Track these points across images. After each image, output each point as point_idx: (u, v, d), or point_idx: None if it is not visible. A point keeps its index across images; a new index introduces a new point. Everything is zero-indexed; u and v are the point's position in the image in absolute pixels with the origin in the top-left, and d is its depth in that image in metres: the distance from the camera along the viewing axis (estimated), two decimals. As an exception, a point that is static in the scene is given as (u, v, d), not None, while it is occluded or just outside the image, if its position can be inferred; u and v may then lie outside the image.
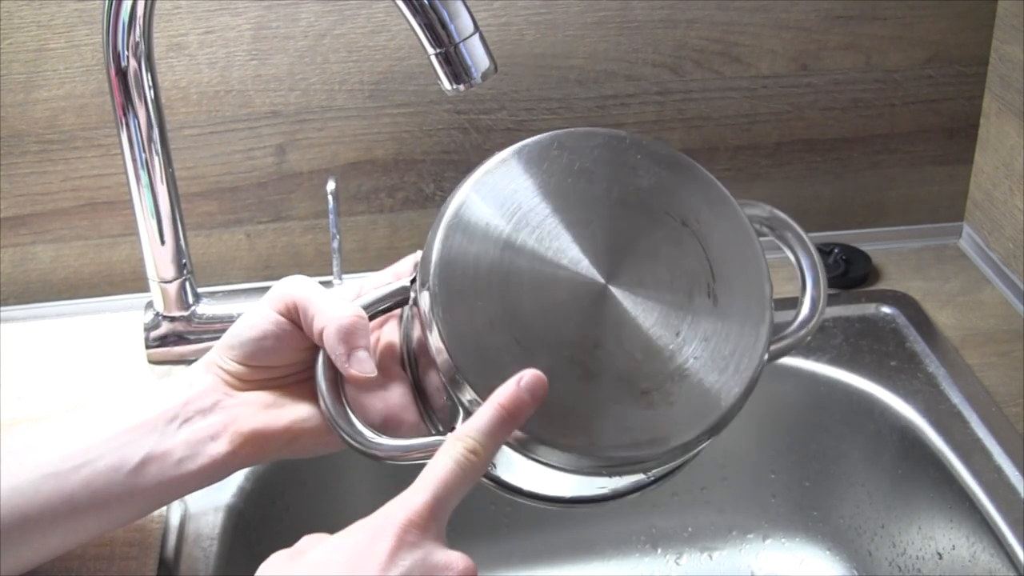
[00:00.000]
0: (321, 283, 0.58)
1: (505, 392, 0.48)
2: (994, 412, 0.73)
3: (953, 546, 0.71)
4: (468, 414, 0.50)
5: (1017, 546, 0.64)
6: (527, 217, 0.52)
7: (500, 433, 0.48)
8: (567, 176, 0.53)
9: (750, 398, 0.54)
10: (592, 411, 0.50)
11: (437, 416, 0.55)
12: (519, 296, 0.50)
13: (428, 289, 0.51)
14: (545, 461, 0.50)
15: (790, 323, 0.58)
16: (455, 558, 0.46)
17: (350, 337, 0.53)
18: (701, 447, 0.53)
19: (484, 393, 0.49)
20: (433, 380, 0.54)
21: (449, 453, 0.48)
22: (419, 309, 0.52)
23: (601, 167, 0.54)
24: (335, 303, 0.54)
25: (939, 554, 0.72)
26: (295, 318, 0.55)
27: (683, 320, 0.52)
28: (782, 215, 0.59)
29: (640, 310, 0.52)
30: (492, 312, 0.50)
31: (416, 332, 0.55)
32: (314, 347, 0.55)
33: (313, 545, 0.48)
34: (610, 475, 0.52)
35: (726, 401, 0.51)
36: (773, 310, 0.54)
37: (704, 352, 0.52)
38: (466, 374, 0.49)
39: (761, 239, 0.55)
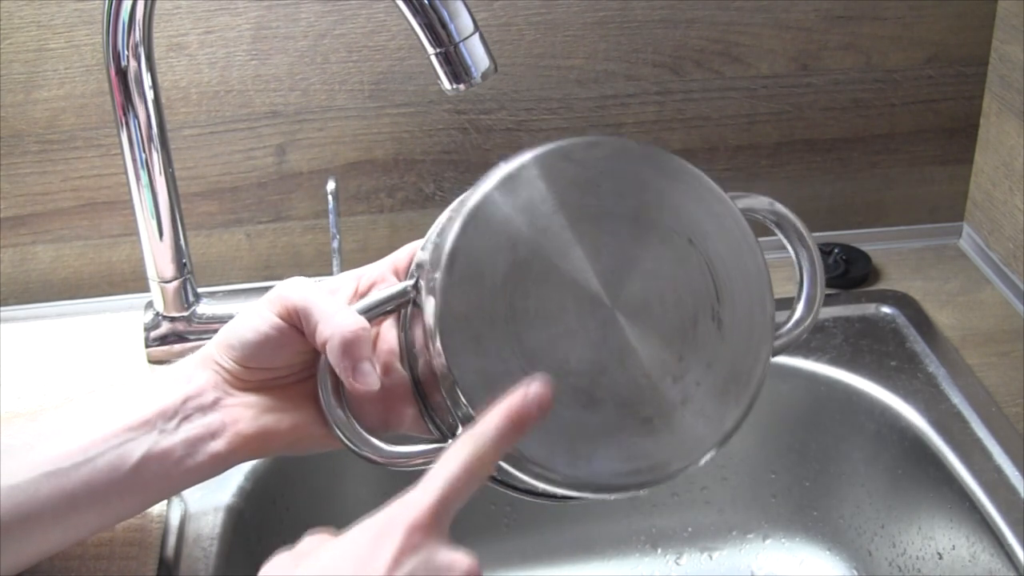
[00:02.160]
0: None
1: (513, 400, 0.48)
2: (994, 412, 0.73)
3: (953, 546, 0.71)
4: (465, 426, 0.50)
5: (1017, 546, 0.64)
6: (532, 238, 0.51)
7: (507, 440, 0.48)
8: (573, 192, 0.52)
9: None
10: (595, 440, 0.50)
11: (436, 413, 0.55)
12: (525, 322, 0.50)
13: (436, 317, 0.50)
14: (547, 487, 0.51)
15: (784, 322, 0.58)
16: (458, 558, 0.46)
17: (353, 350, 0.52)
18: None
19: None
20: (432, 381, 0.54)
21: (456, 456, 0.47)
22: (424, 328, 0.51)
23: (608, 181, 0.52)
24: (337, 311, 0.53)
25: (939, 554, 0.72)
26: (296, 323, 0.55)
27: (687, 344, 0.52)
28: (783, 209, 0.58)
29: (645, 334, 0.51)
30: (499, 341, 0.50)
31: (418, 335, 0.54)
32: (315, 349, 0.55)
33: (316, 546, 0.48)
34: (610, 496, 0.52)
35: (725, 425, 0.52)
36: (775, 328, 0.54)
37: (706, 377, 0.52)
38: (474, 405, 0.49)
39: (762, 240, 0.55)
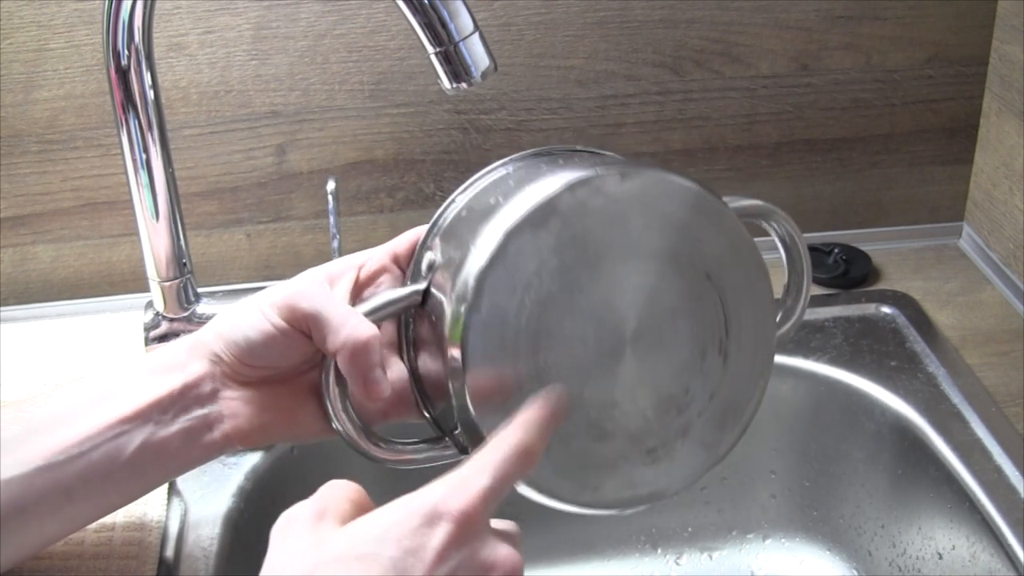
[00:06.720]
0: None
1: (556, 391, 0.50)
2: (994, 412, 0.73)
3: (953, 546, 0.71)
4: (472, 442, 0.51)
5: (1017, 546, 0.64)
6: (559, 273, 0.50)
7: (550, 428, 0.49)
8: (603, 228, 0.51)
9: None
10: (602, 470, 0.53)
11: (434, 405, 0.56)
12: (547, 356, 0.50)
13: (461, 356, 0.49)
14: (554, 508, 0.53)
15: None
16: (502, 557, 0.45)
17: (364, 360, 0.52)
18: None
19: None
20: (432, 376, 0.54)
21: (508, 442, 0.47)
22: (444, 354, 0.51)
23: (637, 217, 0.52)
24: (346, 320, 0.52)
25: (939, 554, 0.72)
26: (304, 328, 0.54)
27: (694, 377, 0.54)
28: (781, 214, 0.59)
29: (657, 368, 0.53)
30: (521, 373, 0.50)
31: (425, 335, 0.54)
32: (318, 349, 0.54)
33: (341, 506, 0.47)
34: (605, 513, 0.55)
35: (720, 451, 0.56)
36: (774, 358, 0.56)
37: (708, 408, 0.54)
38: (488, 431, 0.50)
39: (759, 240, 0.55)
